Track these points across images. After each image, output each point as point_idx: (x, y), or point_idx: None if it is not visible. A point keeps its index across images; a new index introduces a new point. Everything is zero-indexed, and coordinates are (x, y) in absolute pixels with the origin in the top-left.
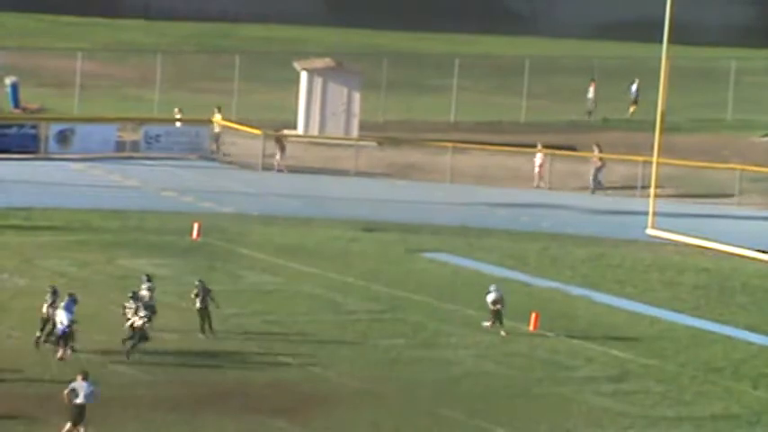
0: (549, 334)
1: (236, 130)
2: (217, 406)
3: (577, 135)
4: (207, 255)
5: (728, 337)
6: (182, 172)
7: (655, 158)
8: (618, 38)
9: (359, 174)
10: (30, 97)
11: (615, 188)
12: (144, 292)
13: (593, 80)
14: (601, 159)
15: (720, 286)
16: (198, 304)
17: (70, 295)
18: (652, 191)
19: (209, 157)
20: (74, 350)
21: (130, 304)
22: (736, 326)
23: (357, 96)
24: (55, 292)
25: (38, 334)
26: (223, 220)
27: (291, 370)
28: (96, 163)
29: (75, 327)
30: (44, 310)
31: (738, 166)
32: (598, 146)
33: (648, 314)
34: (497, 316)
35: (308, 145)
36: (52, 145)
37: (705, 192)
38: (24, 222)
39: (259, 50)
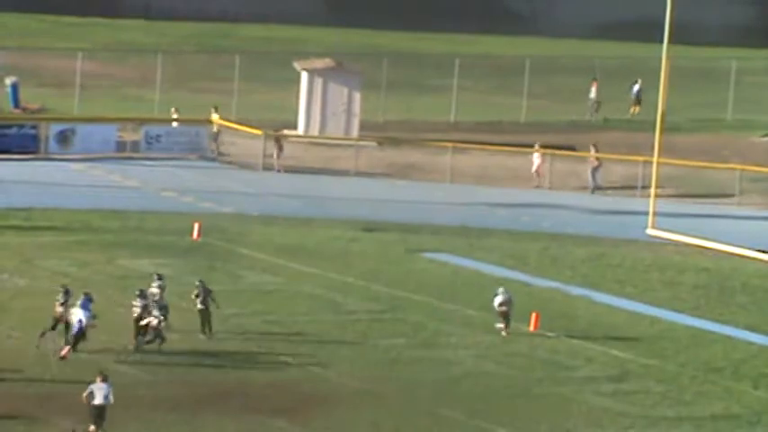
0: (549, 334)
1: (236, 129)
2: (217, 406)
3: (578, 135)
4: (207, 255)
5: (729, 337)
6: (182, 172)
7: (655, 158)
8: (618, 38)
9: (359, 174)
10: (30, 97)
11: (615, 188)
12: (154, 290)
13: (594, 80)
14: (597, 159)
15: (720, 286)
16: (199, 305)
17: (85, 294)
18: (652, 191)
19: (209, 157)
20: (74, 350)
21: (137, 302)
22: (737, 326)
23: (357, 96)
24: (67, 292)
25: (43, 331)
26: (223, 220)
27: (291, 370)
28: (96, 163)
29: (94, 322)
30: (57, 309)
31: (738, 166)
32: (595, 146)
33: (648, 314)
34: (505, 317)
35: (308, 145)
36: (52, 145)
37: (705, 192)
38: (24, 223)
39: (259, 50)
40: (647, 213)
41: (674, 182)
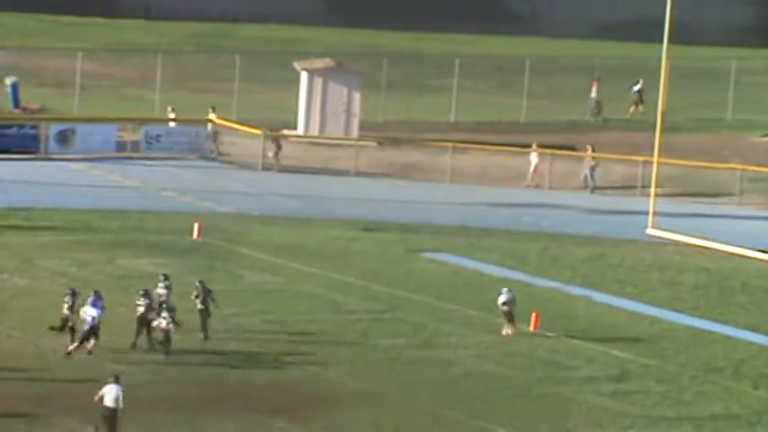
0: (549, 334)
1: (235, 129)
2: (217, 406)
3: (578, 135)
4: (207, 255)
5: (729, 337)
6: (182, 172)
7: (655, 158)
8: (618, 38)
9: (359, 174)
10: (30, 97)
11: (615, 188)
12: (161, 291)
13: (595, 80)
14: (594, 159)
15: (720, 286)
16: (198, 305)
17: (95, 292)
18: (652, 190)
19: (209, 157)
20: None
21: (141, 301)
22: (737, 326)
23: (357, 96)
24: (74, 294)
25: (52, 327)
26: (223, 219)
27: (292, 370)
28: (96, 163)
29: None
30: (64, 311)
31: (738, 166)
32: (591, 146)
33: (648, 314)
34: (508, 317)
35: (308, 145)
36: (52, 145)
37: (705, 192)
38: (24, 222)
39: (259, 50)
40: (647, 213)
41: (674, 182)
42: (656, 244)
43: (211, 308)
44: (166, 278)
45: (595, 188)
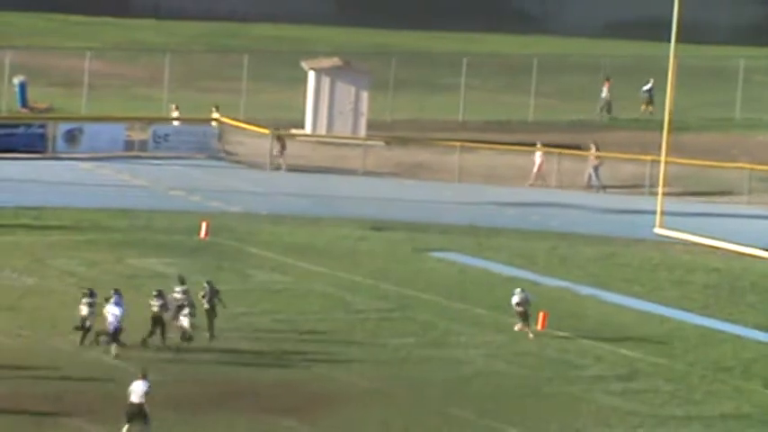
0: (558, 333)
1: (242, 128)
2: (226, 405)
3: (586, 134)
4: (215, 254)
5: (738, 337)
6: (190, 171)
7: (663, 157)
8: (626, 37)
9: (367, 173)
10: (38, 97)
11: (624, 187)
12: (178, 296)
13: (607, 79)
14: (598, 158)
15: (730, 285)
16: (205, 305)
17: (116, 291)
18: (660, 190)
19: (217, 156)
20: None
21: (155, 302)
22: (746, 325)
23: (365, 95)
24: (92, 294)
25: (80, 332)
26: (231, 219)
27: (300, 369)
28: (105, 162)
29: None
30: (83, 312)
31: (747, 165)
32: (595, 144)
33: (658, 313)
34: (523, 317)
35: (315, 144)
36: (60, 144)
37: (714, 191)
38: (34, 222)
39: (268, 50)
40: (655, 212)
41: (683, 181)
42: (665, 243)
43: (218, 308)
44: (183, 282)
45: (602, 187)
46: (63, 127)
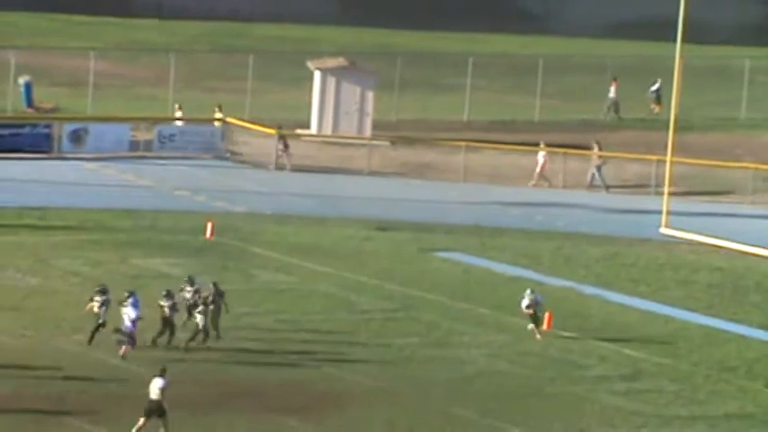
0: (562, 333)
1: (248, 129)
2: (230, 405)
3: (591, 134)
4: (220, 254)
5: (742, 336)
6: (195, 171)
7: (668, 157)
8: (631, 37)
9: (372, 173)
10: (43, 97)
11: (629, 187)
12: (187, 295)
13: (614, 79)
14: (600, 157)
15: (734, 285)
16: (211, 306)
17: (131, 293)
18: (666, 189)
19: (222, 156)
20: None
21: (164, 302)
22: (750, 325)
23: (370, 95)
24: (104, 292)
25: (93, 333)
26: (236, 219)
27: (304, 369)
28: (110, 162)
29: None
30: (96, 310)
31: (752, 165)
32: (598, 143)
33: (662, 313)
34: (533, 319)
35: (321, 144)
36: (66, 144)
37: (718, 191)
38: (38, 222)
39: (272, 50)
40: (660, 212)
41: (688, 181)
42: (670, 243)
43: (223, 311)
44: (192, 282)
45: (606, 187)
46: (68, 127)
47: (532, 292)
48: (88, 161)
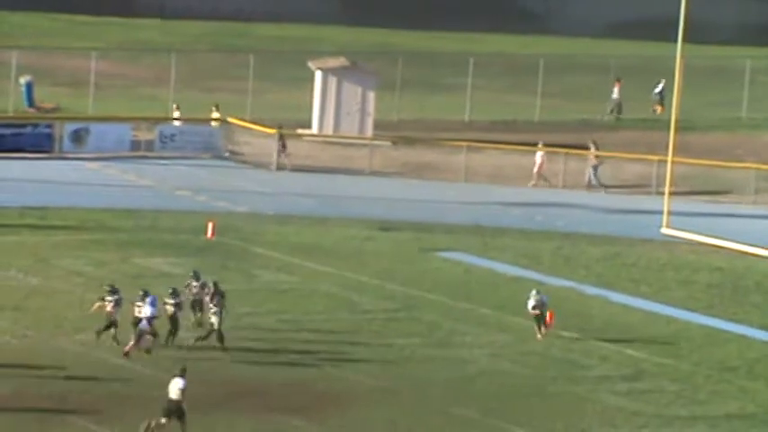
0: (563, 333)
1: (249, 128)
2: (232, 405)
3: (592, 134)
4: (221, 254)
5: (743, 336)
6: (196, 171)
7: (669, 157)
8: (632, 36)
9: (373, 173)
10: (45, 97)
11: (630, 187)
12: (195, 290)
13: (618, 80)
14: (597, 157)
15: (735, 285)
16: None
17: (146, 292)
18: (667, 190)
19: (221, 156)
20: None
21: (170, 300)
22: (751, 325)
23: (371, 95)
24: (115, 291)
25: (110, 332)
26: (237, 219)
27: (307, 369)
28: (111, 162)
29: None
30: (108, 309)
31: (753, 165)
32: (595, 143)
33: (663, 313)
34: (538, 320)
35: (322, 144)
36: (67, 144)
37: (719, 191)
38: (39, 221)
39: (273, 50)
40: (661, 212)
41: (689, 181)
42: (671, 243)
43: (224, 311)
44: (198, 277)
45: (603, 186)
46: (69, 127)
47: (538, 292)
48: (89, 161)
